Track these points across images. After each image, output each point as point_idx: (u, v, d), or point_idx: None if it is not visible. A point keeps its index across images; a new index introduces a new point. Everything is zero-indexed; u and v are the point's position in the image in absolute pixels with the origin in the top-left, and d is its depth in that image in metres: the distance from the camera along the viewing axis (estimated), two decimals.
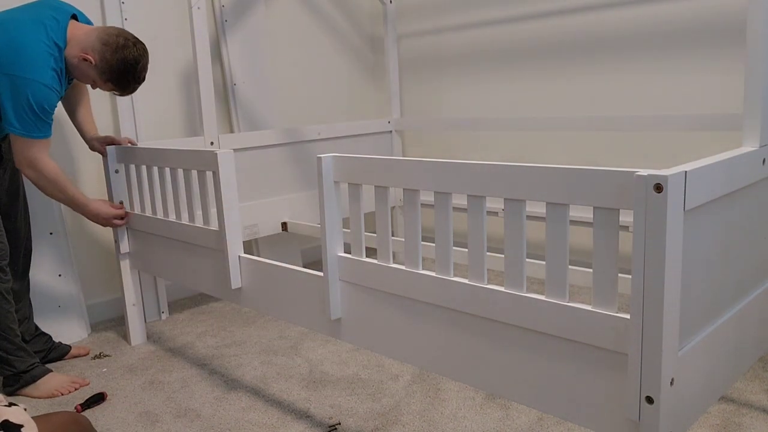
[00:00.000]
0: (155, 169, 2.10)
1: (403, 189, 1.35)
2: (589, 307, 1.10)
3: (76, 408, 1.93)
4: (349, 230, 1.71)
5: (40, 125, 1.86)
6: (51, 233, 2.42)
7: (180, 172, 2.01)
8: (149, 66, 2.42)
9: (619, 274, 1.77)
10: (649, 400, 1.01)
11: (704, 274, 1.12)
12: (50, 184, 1.96)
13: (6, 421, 1.08)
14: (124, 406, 1.95)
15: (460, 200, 2.44)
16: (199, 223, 1.99)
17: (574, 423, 1.16)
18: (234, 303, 2.40)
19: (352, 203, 1.48)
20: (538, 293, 1.17)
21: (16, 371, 2.00)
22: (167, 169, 2.04)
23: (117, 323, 2.64)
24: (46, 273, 2.42)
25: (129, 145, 2.22)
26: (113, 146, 2.22)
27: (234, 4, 2.95)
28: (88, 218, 2.15)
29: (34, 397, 2.02)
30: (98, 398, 1.97)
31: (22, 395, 2.03)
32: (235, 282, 1.84)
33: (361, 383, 2.02)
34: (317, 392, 1.98)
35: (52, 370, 2.08)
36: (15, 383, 2.02)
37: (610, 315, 1.06)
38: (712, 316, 1.17)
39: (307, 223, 2.81)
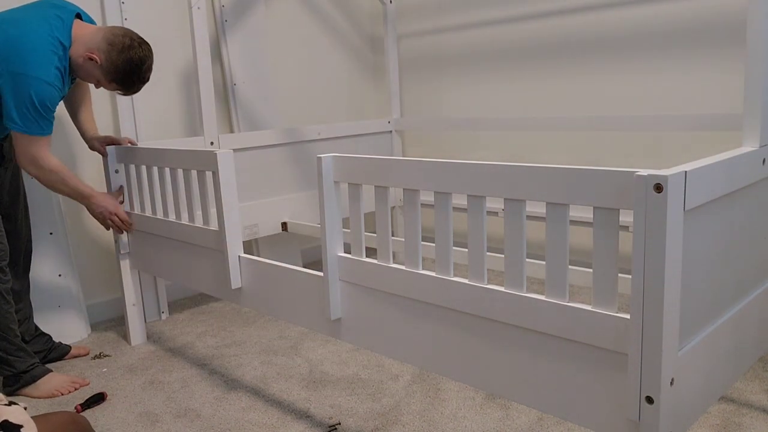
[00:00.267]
0: (155, 169, 2.10)
1: (403, 189, 1.35)
2: (589, 307, 1.10)
3: (75, 408, 1.92)
4: (349, 230, 1.71)
5: (42, 122, 1.87)
6: (51, 233, 2.42)
7: (180, 172, 2.01)
8: None
9: (619, 274, 1.77)
10: (649, 400, 1.01)
11: (704, 274, 1.12)
12: (53, 178, 1.96)
13: (6, 421, 1.08)
14: (124, 406, 1.95)
15: (460, 200, 2.44)
16: (199, 223, 1.99)
17: (574, 423, 1.16)
18: (234, 303, 2.40)
19: (352, 203, 1.48)
20: (538, 293, 1.17)
21: (16, 371, 2.00)
22: (167, 169, 2.04)
23: (117, 323, 2.64)
24: (46, 273, 2.41)
25: (129, 145, 2.22)
26: (113, 146, 2.22)
27: (234, 4, 2.95)
28: (91, 211, 2.13)
29: (34, 397, 2.02)
30: (98, 398, 1.97)
31: (22, 395, 2.03)
32: (235, 282, 1.84)
33: (361, 383, 2.02)
34: (317, 392, 1.98)
35: (52, 370, 2.09)
36: (15, 383, 2.02)
37: (610, 315, 1.06)
38: (712, 316, 1.17)
39: (307, 223, 2.81)
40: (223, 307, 2.81)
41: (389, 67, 3.24)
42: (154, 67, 2.06)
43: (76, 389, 2.06)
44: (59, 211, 2.45)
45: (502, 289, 1.21)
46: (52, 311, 2.42)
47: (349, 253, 1.50)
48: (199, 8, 2.34)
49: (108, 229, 2.22)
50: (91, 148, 2.23)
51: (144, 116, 2.69)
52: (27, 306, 2.21)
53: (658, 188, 0.94)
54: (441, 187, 1.27)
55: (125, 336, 2.47)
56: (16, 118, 1.84)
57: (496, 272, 2.95)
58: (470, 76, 3.23)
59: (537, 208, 2.58)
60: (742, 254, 1.27)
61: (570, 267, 1.80)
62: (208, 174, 1.92)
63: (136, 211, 2.23)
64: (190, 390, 2.03)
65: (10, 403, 1.13)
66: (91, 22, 2.05)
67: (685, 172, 0.98)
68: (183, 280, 2.10)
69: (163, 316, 2.68)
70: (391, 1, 3.18)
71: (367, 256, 1.48)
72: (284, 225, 2.85)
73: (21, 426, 1.09)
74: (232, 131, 3.00)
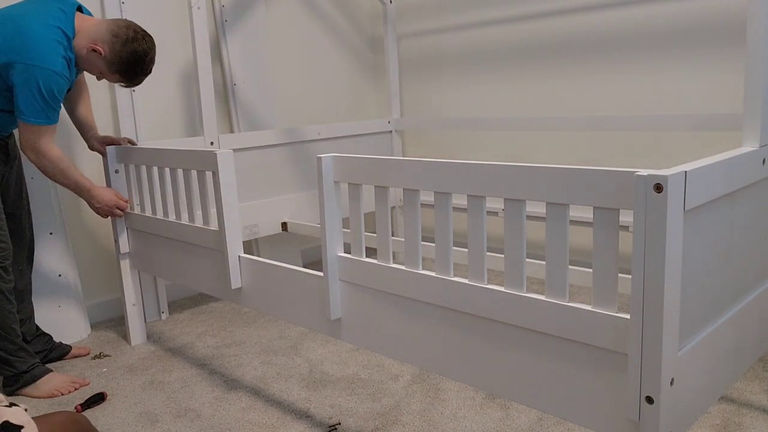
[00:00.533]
0: (155, 169, 2.10)
1: (403, 189, 1.35)
2: (589, 307, 1.10)
3: (76, 408, 1.93)
4: (349, 230, 1.71)
5: (48, 111, 1.88)
6: (51, 233, 2.42)
7: (180, 172, 2.01)
8: None
9: (619, 274, 1.77)
10: (649, 400, 1.01)
11: (704, 274, 1.12)
12: (54, 168, 1.97)
13: (6, 422, 1.08)
14: (124, 406, 1.95)
15: (460, 200, 2.44)
16: (199, 223, 1.99)
17: (574, 423, 1.16)
18: (234, 303, 2.39)
19: (352, 203, 1.48)
20: (538, 293, 1.17)
21: (16, 371, 2.00)
22: (167, 169, 2.04)
23: (117, 323, 2.64)
24: (46, 273, 2.42)
25: (128, 145, 2.23)
26: (113, 146, 2.22)
27: (234, 4, 2.95)
28: (91, 204, 2.13)
29: (35, 397, 2.02)
30: (98, 398, 1.97)
31: (22, 395, 2.03)
32: (235, 282, 1.84)
33: (361, 383, 2.02)
34: (317, 392, 1.98)
35: (52, 370, 2.09)
36: (15, 383, 2.02)
37: (610, 315, 1.06)
38: (712, 316, 1.17)
39: (307, 223, 2.81)
40: (223, 307, 2.81)
41: (389, 67, 3.24)
42: (154, 66, 2.06)
43: (76, 389, 2.07)
44: (59, 211, 2.46)
45: (502, 289, 1.21)
46: (52, 311, 2.42)
47: (349, 253, 1.50)
48: (199, 8, 2.35)
49: (105, 217, 2.22)
50: (91, 148, 2.23)
51: (144, 116, 2.69)
52: (29, 306, 2.21)
53: (658, 188, 0.94)
54: (441, 187, 1.27)
55: (125, 336, 2.47)
56: (22, 106, 1.85)
57: (496, 272, 2.95)
58: (470, 76, 3.23)
59: (537, 208, 2.58)
60: (742, 254, 1.27)
61: (570, 267, 1.80)
62: (208, 174, 1.92)
63: (136, 212, 2.23)
64: (190, 390, 2.04)
65: (11, 405, 1.13)
66: (90, 15, 2.06)
67: (685, 172, 0.98)
68: (183, 280, 2.10)
69: (163, 316, 2.68)
70: (391, 1, 3.18)
71: (367, 256, 1.48)
72: (284, 225, 2.85)
73: (22, 427, 1.09)
74: (232, 131, 3.01)
